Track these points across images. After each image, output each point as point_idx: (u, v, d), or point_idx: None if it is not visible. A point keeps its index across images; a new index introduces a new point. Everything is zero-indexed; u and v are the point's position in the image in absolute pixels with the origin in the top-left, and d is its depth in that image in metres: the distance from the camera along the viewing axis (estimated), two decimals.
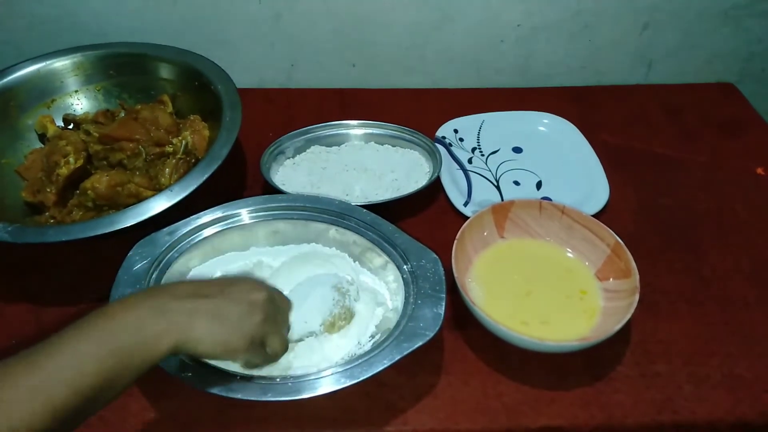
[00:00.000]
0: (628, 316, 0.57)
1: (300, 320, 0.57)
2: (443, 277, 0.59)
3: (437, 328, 0.55)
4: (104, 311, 0.42)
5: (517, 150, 0.85)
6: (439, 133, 0.86)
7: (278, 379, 0.52)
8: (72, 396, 0.38)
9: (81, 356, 0.39)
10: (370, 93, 0.95)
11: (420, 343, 0.53)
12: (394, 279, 0.62)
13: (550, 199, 0.74)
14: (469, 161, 0.83)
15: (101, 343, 0.40)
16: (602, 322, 0.61)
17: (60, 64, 0.80)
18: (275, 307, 0.51)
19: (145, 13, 0.88)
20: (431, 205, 0.77)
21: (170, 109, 0.79)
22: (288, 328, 0.55)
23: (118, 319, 0.42)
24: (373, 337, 0.59)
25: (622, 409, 0.57)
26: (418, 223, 0.74)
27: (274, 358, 0.52)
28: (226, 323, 0.46)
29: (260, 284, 0.51)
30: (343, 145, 0.83)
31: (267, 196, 0.68)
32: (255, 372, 0.53)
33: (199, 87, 0.78)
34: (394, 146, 0.83)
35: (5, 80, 0.76)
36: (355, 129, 0.83)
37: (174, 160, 0.72)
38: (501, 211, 0.68)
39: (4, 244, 0.60)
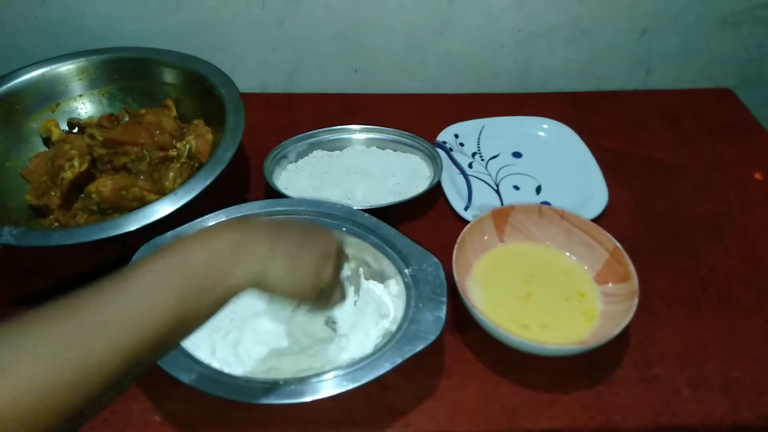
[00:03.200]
0: (627, 320, 0.57)
1: None
2: (444, 281, 0.59)
3: (438, 332, 0.55)
4: (181, 243, 0.40)
5: (517, 155, 0.86)
6: (440, 137, 0.86)
7: (281, 382, 0.53)
8: (145, 332, 0.36)
9: (156, 289, 0.37)
10: (372, 98, 0.96)
11: (422, 346, 0.54)
12: (396, 282, 0.62)
13: (549, 204, 0.75)
14: (470, 166, 0.84)
15: (178, 276, 0.38)
16: (601, 325, 0.61)
17: (65, 68, 0.80)
18: (341, 259, 0.51)
19: (149, 18, 0.89)
20: (432, 209, 0.77)
21: (174, 113, 0.80)
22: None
23: (196, 251, 0.40)
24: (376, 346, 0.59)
25: (621, 411, 0.58)
26: (419, 226, 0.75)
27: (331, 307, 0.51)
28: (302, 270, 0.45)
29: (332, 234, 0.50)
30: (345, 150, 0.83)
31: (270, 200, 0.68)
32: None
33: (203, 91, 0.78)
34: (395, 151, 0.83)
35: (10, 84, 0.77)
36: (356, 133, 0.84)
37: (178, 164, 0.73)
38: (501, 216, 0.69)
39: (8, 247, 0.61)
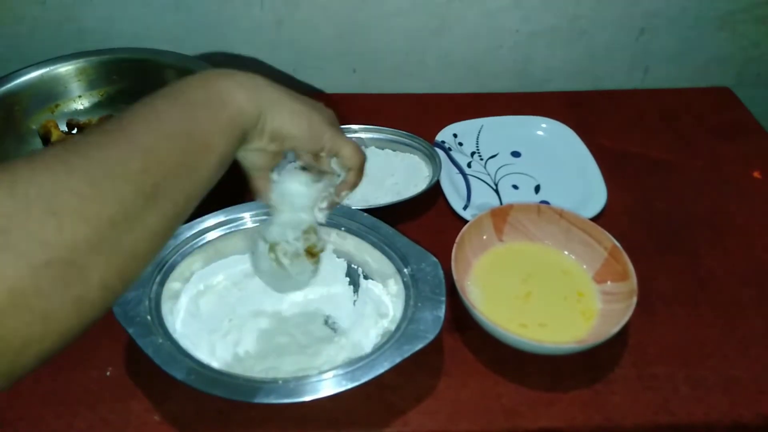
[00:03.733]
0: (626, 319, 0.58)
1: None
2: (443, 281, 0.60)
3: (437, 331, 0.55)
4: (186, 81, 0.40)
5: (516, 154, 0.86)
6: (439, 137, 0.87)
7: (280, 381, 0.53)
8: (153, 163, 0.34)
9: (161, 123, 0.36)
10: (371, 98, 0.96)
11: (420, 346, 0.54)
12: (395, 282, 0.62)
13: (548, 203, 0.75)
14: (468, 165, 0.84)
15: (184, 110, 0.38)
16: (600, 324, 0.61)
17: (64, 69, 0.81)
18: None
19: (148, 19, 0.89)
20: (431, 209, 0.78)
21: None
22: None
23: (202, 87, 0.40)
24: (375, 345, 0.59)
25: (620, 410, 0.58)
26: (418, 226, 0.75)
27: (352, 161, 0.50)
28: (309, 111, 0.46)
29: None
30: None
31: None
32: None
33: None
34: (394, 150, 0.83)
35: (9, 85, 0.77)
36: (355, 133, 0.84)
37: None
38: (500, 215, 0.69)
39: None
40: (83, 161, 0.31)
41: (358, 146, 0.50)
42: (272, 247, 0.52)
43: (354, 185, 0.52)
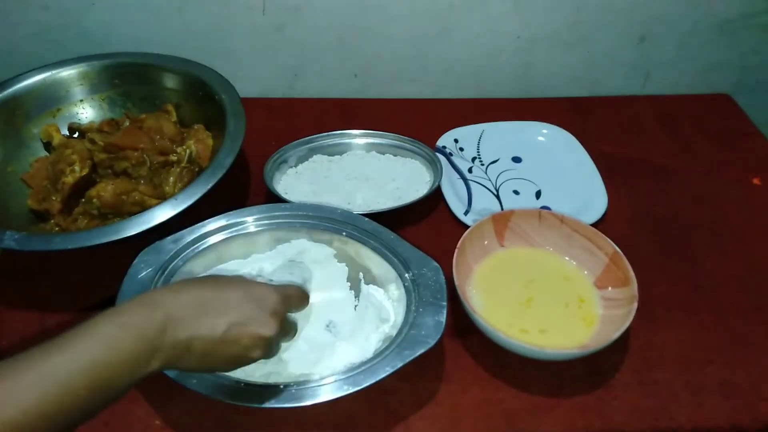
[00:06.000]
0: (627, 324, 0.58)
1: None
2: (444, 286, 0.60)
3: (438, 336, 0.55)
4: (96, 325, 0.41)
5: (517, 159, 0.86)
6: (440, 142, 0.87)
7: (281, 386, 0.53)
8: (46, 405, 0.37)
9: (59, 372, 0.38)
10: (372, 103, 0.96)
11: (421, 351, 0.54)
12: (396, 287, 0.62)
13: (549, 209, 0.75)
14: (470, 170, 0.84)
15: (85, 363, 0.39)
16: (601, 330, 0.61)
17: (65, 73, 0.81)
18: (278, 341, 0.50)
19: (150, 24, 0.89)
20: (432, 214, 0.78)
21: (174, 118, 0.80)
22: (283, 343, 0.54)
23: (105, 338, 0.41)
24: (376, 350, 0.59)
25: (621, 416, 0.58)
26: (419, 231, 0.75)
27: (276, 351, 0.52)
28: (219, 360, 0.47)
29: (275, 313, 0.49)
30: (345, 155, 0.84)
31: (270, 204, 0.69)
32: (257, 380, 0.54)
33: (203, 96, 0.79)
34: (395, 155, 0.84)
35: (11, 89, 0.77)
36: (356, 138, 0.84)
37: (178, 169, 0.73)
38: (501, 220, 0.69)
39: (10, 252, 0.61)
40: None
41: (294, 299, 0.54)
42: None
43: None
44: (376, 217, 0.67)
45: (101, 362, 0.39)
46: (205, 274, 0.63)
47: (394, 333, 0.58)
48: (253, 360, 0.48)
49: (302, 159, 0.82)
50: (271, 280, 0.57)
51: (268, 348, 0.49)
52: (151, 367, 0.42)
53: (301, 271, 0.63)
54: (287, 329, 0.53)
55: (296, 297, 0.55)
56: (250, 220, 0.66)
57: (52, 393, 0.37)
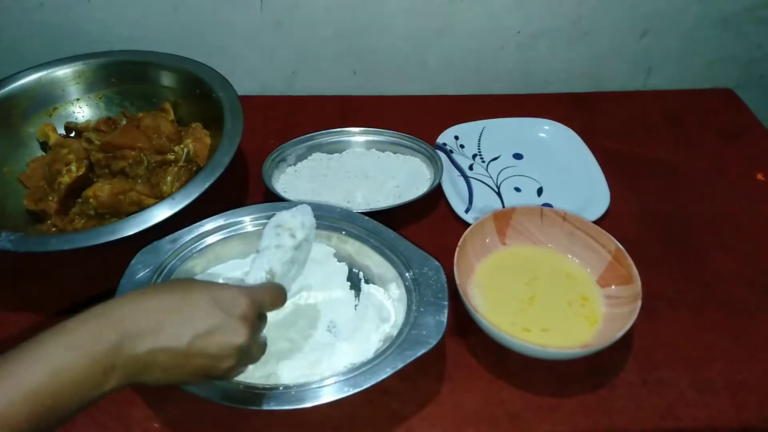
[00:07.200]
0: (631, 323, 0.57)
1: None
2: (445, 285, 0.59)
3: (440, 336, 0.55)
4: (40, 347, 0.39)
5: (518, 156, 0.85)
6: (440, 139, 0.86)
7: (281, 388, 0.52)
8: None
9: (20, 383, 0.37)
10: (371, 100, 0.95)
11: (423, 351, 0.54)
12: (397, 286, 0.62)
13: (551, 206, 0.74)
14: (470, 168, 0.83)
15: (27, 391, 0.37)
16: (604, 328, 0.61)
17: (62, 72, 0.80)
18: (248, 351, 0.47)
19: (146, 21, 0.89)
20: (432, 212, 0.77)
21: (172, 116, 0.79)
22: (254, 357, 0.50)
23: (50, 361, 0.38)
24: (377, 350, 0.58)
25: (625, 415, 0.57)
26: (420, 229, 0.74)
27: (244, 368, 0.49)
28: (187, 373, 0.43)
29: (245, 318, 0.45)
30: (344, 152, 0.83)
31: (269, 203, 0.68)
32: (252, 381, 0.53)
33: (201, 95, 0.78)
34: (395, 153, 0.83)
35: (7, 88, 0.77)
36: (356, 136, 0.84)
37: (176, 168, 0.72)
38: (502, 218, 0.68)
39: (6, 253, 0.61)
40: None
41: (268, 298, 0.49)
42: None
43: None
44: (376, 215, 0.66)
45: (44, 391, 0.37)
46: (174, 278, 0.61)
47: (394, 333, 0.57)
48: (226, 371, 0.45)
49: (301, 157, 0.82)
50: (243, 280, 0.53)
51: (240, 356, 0.45)
52: (109, 386, 0.40)
53: (290, 232, 0.56)
54: (260, 343, 0.49)
55: (270, 297, 0.49)
56: (248, 220, 0.66)
57: None
